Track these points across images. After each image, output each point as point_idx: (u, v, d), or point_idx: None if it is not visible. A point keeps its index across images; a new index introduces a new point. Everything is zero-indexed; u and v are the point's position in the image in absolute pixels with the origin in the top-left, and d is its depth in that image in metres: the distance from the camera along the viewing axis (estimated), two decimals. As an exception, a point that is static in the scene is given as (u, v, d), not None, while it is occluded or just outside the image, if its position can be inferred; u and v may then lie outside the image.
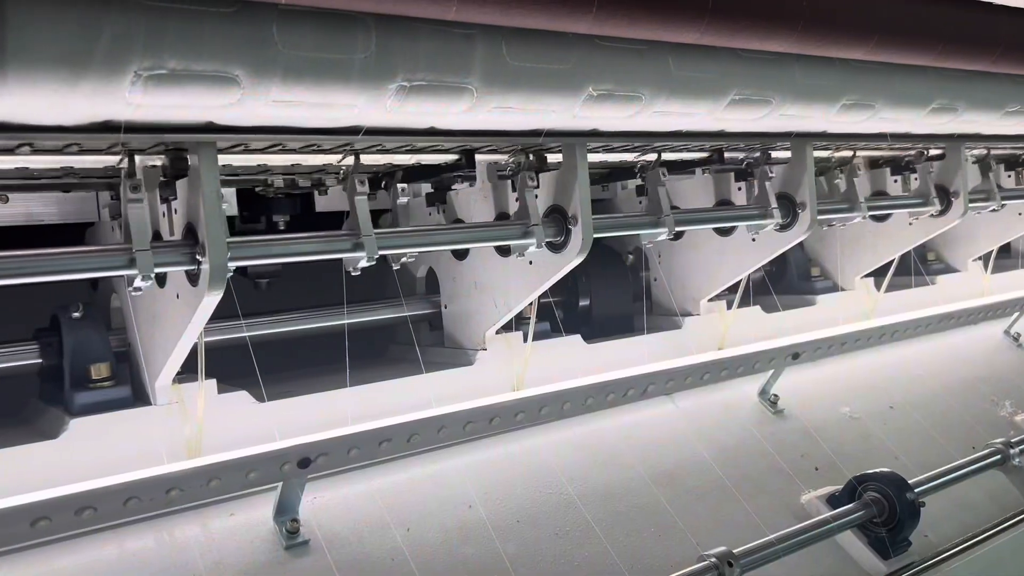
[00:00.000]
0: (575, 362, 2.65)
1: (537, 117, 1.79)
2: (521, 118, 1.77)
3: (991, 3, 2.34)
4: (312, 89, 1.43)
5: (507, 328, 2.57)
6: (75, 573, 1.68)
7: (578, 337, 2.75)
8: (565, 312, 2.87)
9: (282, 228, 2.44)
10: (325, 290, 2.61)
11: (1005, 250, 4.20)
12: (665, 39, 1.78)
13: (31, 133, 1.36)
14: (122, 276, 1.66)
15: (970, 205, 3.25)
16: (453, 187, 2.54)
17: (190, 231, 1.67)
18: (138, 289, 1.61)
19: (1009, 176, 3.79)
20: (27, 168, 1.70)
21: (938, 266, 4.04)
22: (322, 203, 2.47)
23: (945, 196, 3.21)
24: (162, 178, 1.72)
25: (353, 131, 1.62)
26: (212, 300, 1.67)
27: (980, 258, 4.06)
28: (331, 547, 1.90)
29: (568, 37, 1.70)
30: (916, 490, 2.43)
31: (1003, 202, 3.51)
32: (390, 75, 1.50)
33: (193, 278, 1.69)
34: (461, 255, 2.55)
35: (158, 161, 1.72)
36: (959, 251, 4.05)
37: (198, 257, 1.64)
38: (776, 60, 2.12)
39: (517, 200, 2.33)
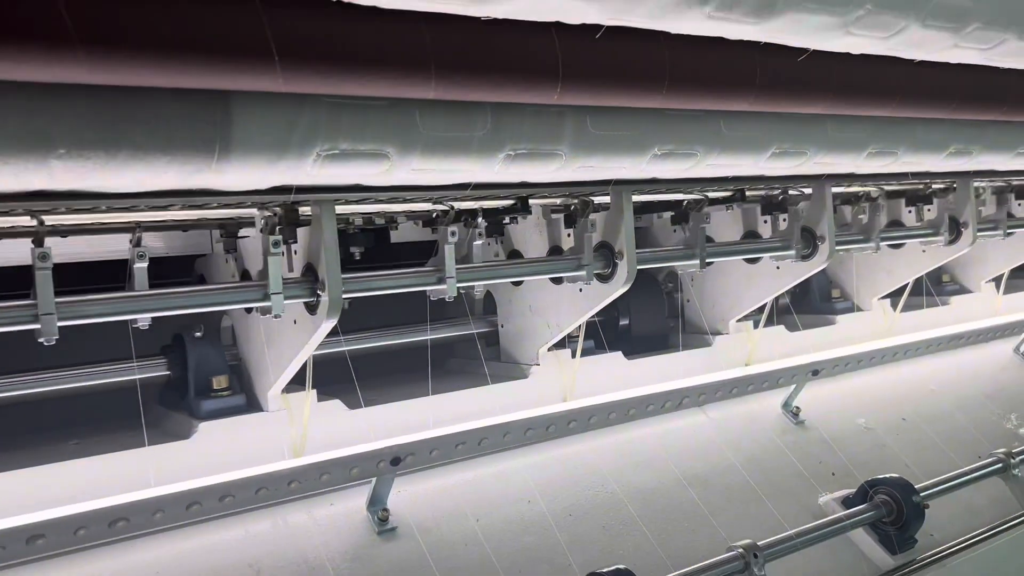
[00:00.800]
0: (617, 376, 2.98)
1: (610, 172, 2.14)
2: (598, 174, 2.12)
3: (998, 67, 2.63)
4: (442, 160, 1.80)
5: (557, 345, 2.92)
6: (213, 549, 2.04)
7: (619, 354, 3.08)
8: (607, 330, 3.20)
9: (358, 258, 2.80)
10: (377, 308, 2.96)
11: (1020, 270, 4.46)
12: (721, 108, 2.13)
13: (226, 196, 1.74)
14: (258, 306, 2.01)
15: (979, 234, 3.54)
16: (507, 221, 2.89)
17: (309, 269, 2.03)
18: (277, 316, 1.97)
19: (1020, 204, 4.07)
20: (178, 219, 2.07)
21: (952, 287, 4.32)
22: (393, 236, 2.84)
23: (955, 226, 3.50)
24: (279, 224, 2.08)
25: (463, 187, 1.99)
26: (328, 326, 2.02)
27: (993, 280, 4.34)
28: (416, 533, 2.25)
29: (640, 109, 2.05)
30: (922, 494, 2.73)
31: (1011, 231, 3.81)
32: (500, 147, 1.86)
33: (312, 308, 2.05)
34: (518, 282, 2.89)
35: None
36: (972, 273, 4.32)
37: (318, 292, 2.00)
38: (812, 118, 2.45)
39: (569, 235, 2.67)
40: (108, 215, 1.96)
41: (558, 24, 1.69)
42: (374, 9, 1.47)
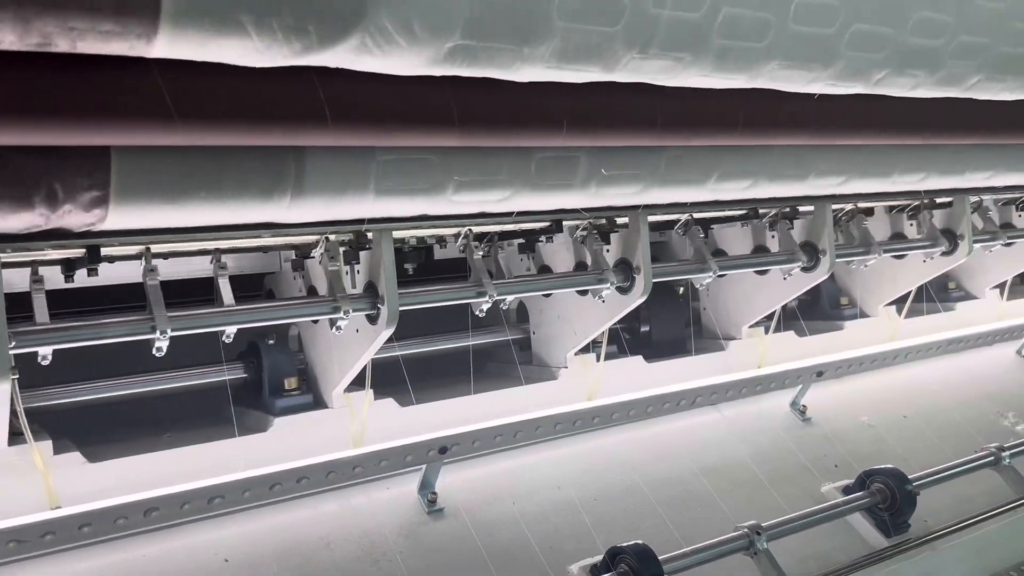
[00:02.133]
0: (638, 378, 3.30)
1: (632, 199, 2.49)
2: (620, 200, 2.46)
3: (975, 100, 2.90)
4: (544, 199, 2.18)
5: (583, 350, 3.25)
6: (290, 526, 2.40)
7: (640, 357, 3.40)
8: (629, 336, 3.53)
9: (411, 273, 3.16)
10: (424, 316, 3.30)
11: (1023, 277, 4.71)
12: (775, 143, 2.52)
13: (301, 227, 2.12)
14: (328, 318, 2.37)
15: (978, 244, 3.81)
16: (540, 240, 3.23)
17: (370, 286, 2.39)
18: (339, 328, 2.33)
19: (1020, 216, 4.33)
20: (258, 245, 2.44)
21: (958, 294, 4.58)
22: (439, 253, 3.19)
23: (952, 238, 3.78)
24: (346, 249, 2.44)
25: (507, 215, 2.36)
26: (387, 334, 2.38)
27: (997, 286, 4.59)
28: (460, 513, 2.60)
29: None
30: (914, 483, 3.02)
31: (1010, 241, 4.07)
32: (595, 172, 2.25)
33: (372, 319, 2.40)
34: (548, 294, 3.23)
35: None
36: (977, 280, 4.58)
37: (379, 305, 2.36)
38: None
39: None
40: (194, 243, 2.33)
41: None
42: (405, 77, 1.77)
